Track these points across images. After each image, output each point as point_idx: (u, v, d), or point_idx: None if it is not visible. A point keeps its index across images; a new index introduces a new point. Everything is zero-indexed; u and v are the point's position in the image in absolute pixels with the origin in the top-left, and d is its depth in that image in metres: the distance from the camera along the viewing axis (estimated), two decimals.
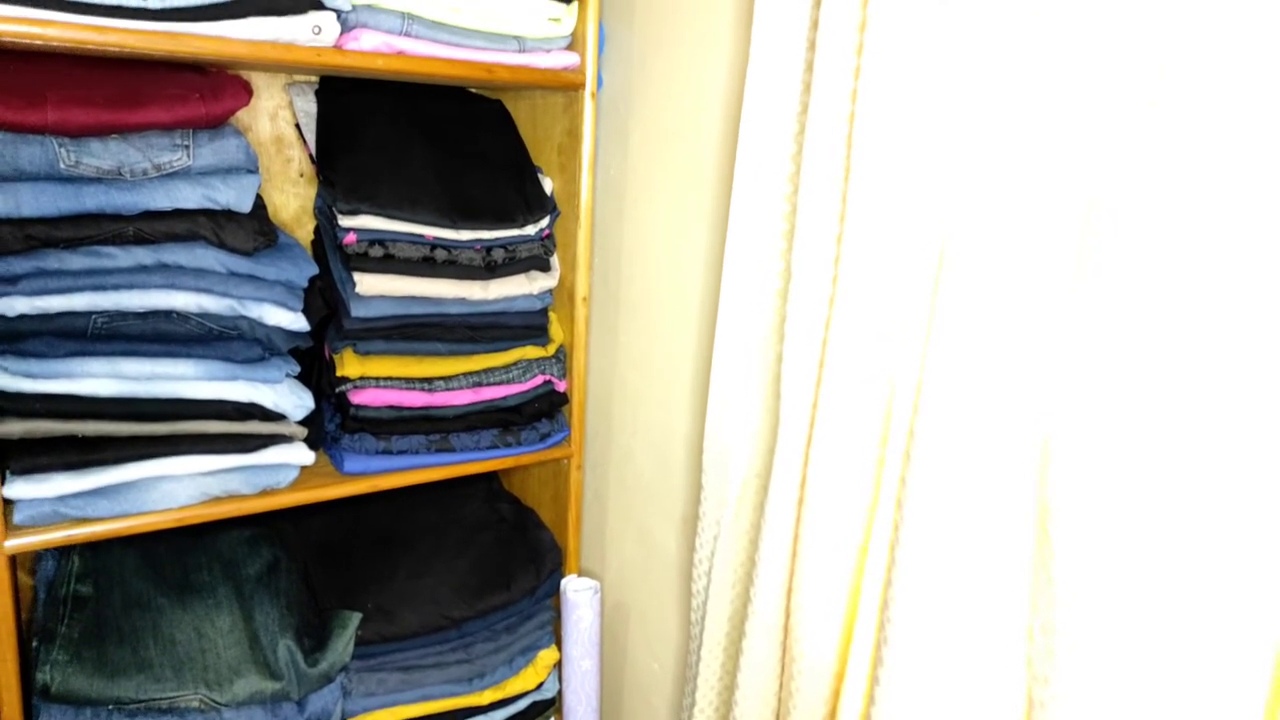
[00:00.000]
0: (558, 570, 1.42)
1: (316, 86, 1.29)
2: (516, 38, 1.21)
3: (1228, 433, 0.68)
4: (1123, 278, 0.72)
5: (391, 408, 1.23)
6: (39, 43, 0.90)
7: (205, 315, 1.06)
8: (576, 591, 1.39)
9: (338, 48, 1.07)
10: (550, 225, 1.34)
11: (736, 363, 1.12)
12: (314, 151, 1.25)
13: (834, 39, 0.92)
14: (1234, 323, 0.67)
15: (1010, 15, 0.77)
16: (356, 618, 1.22)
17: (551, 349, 1.36)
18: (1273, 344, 0.65)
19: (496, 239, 1.28)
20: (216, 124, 1.07)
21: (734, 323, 1.11)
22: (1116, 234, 0.72)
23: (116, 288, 1.01)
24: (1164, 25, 0.67)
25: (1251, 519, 0.67)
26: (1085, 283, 0.75)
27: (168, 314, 1.04)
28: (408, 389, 1.23)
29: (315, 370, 1.27)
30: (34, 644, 1.07)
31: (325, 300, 1.24)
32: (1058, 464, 0.78)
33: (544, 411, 1.36)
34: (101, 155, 0.98)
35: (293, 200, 1.38)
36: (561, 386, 1.38)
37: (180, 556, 1.22)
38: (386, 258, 1.20)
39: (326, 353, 1.25)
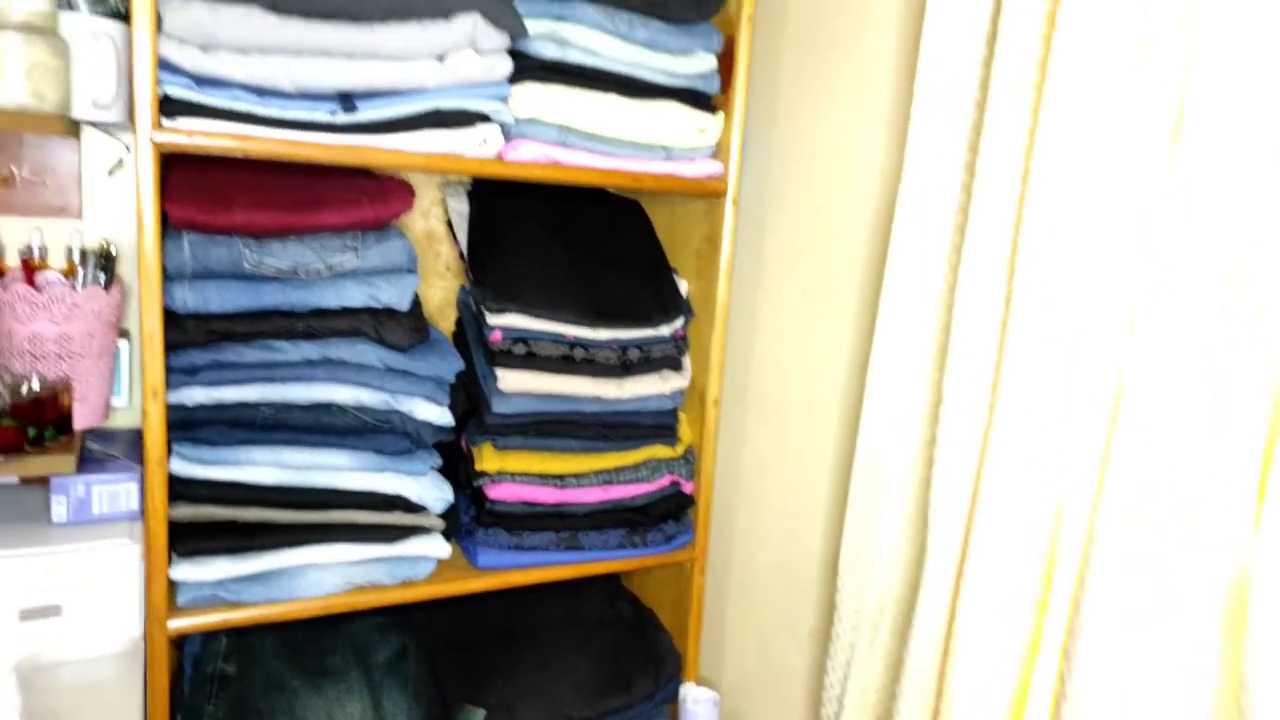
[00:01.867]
0: (676, 676, 1.39)
1: (469, 187, 1.35)
2: (664, 147, 1.24)
3: None
4: None
5: (525, 503, 1.24)
6: (239, 154, 0.97)
7: (361, 408, 1.10)
8: (696, 702, 1.35)
9: (500, 158, 1.12)
10: (684, 327, 1.35)
11: (878, 485, 1.09)
12: (464, 249, 1.30)
13: (1000, 144, 0.90)
14: None
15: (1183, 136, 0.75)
16: (480, 714, 1.21)
17: (680, 449, 1.36)
18: None
19: (632, 339, 1.29)
20: (383, 225, 1.13)
21: (875, 444, 1.09)
22: None
23: (285, 380, 1.06)
24: None
25: None
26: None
27: (328, 406, 1.08)
28: (541, 485, 1.24)
29: (452, 463, 1.29)
30: (179, 719, 1.09)
31: (467, 394, 1.27)
32: (1256, 608, 0.72)
33: (670, 513, 1.35)
34: (280, 256, 1.04)
35: (438, 292, 1.43)
36: (689, 488, 1.37)
37: (316, 639, 1.24)
38: (528, 355, 1.23)
39: (465, 445, 1.27)
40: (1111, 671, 0.81)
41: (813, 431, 1.26)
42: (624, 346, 1.30)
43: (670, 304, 1.33)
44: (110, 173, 1.18)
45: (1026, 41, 0.88)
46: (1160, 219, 0.79)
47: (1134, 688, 0.81)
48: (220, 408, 1.03)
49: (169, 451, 1.00)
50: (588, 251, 1.34)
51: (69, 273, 1.10)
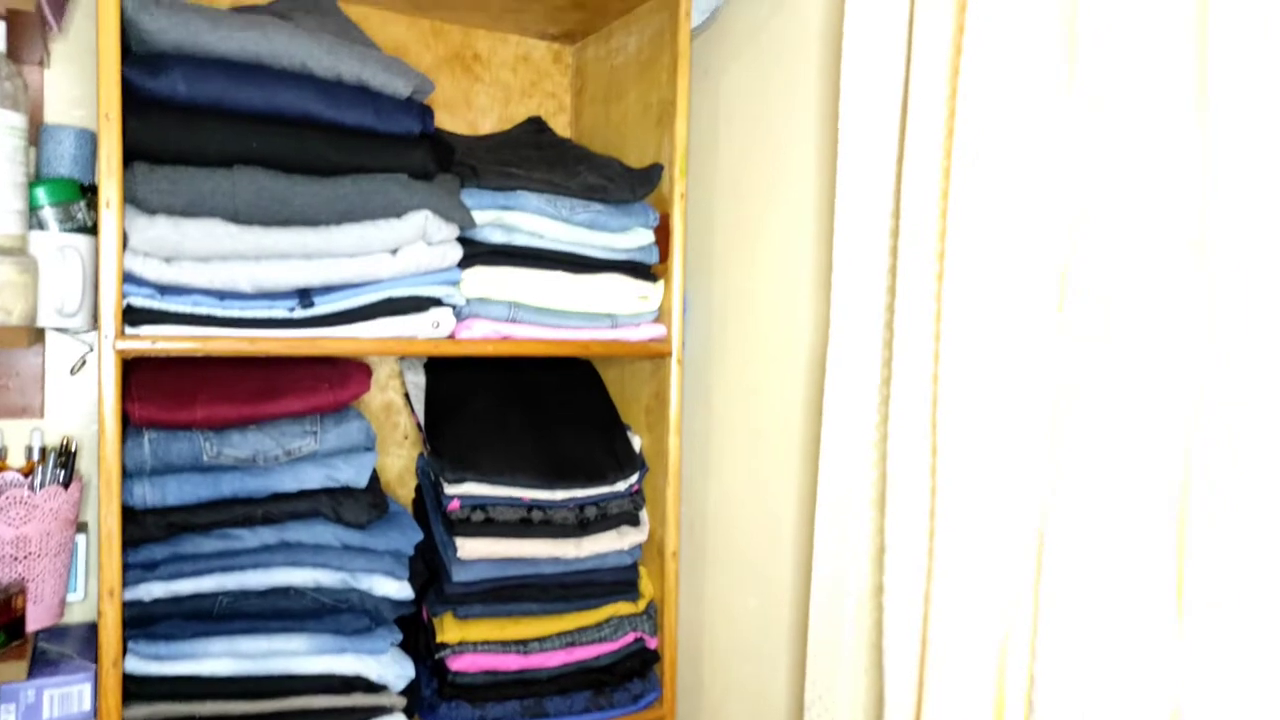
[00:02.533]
0: None
1: (425, 361, 1.40)
2: (609, 315, 1.31)
3: None
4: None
5: (487, 673, 1.24)
6: (200, 354, 1.02)
7: (319, 590, 1.11)
8: None
9: (452, 337, 1.18)
10: (639, 481, 1.39)
11: (834, 625, 1.11)
12: (421, 420, 1.34)
13: (914, 290, 0.98)
14: None
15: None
16: None
17: (642, 605, 1.37)
18: None
19: (589, 496, 1.33)
20: (341, 408, 1.17)
21: (829, 585, 1.12)
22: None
23: (242, 568, 1.07)
24: None
25: None
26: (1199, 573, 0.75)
27: (285, 590, 1.09)
28: (504, 652, 1.24)
29: (412, 635, 1.29)
30: None
31: (426, 563, 1.28)
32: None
33: (636, 670, 1.35)
34: (240, 445, 1.08)
35: (397, 461, 1.46)
36: (653, 643, 1.37)
37: None
38: (487, 521, 1.25)
39: (426, 616, 1.28)
40: None
41: (770, 577, 1.29)
42: (581, 505, 1.33)
43: (625, 460, 1.38)
44: (73, 371, 1.22)
45: (928, 204, 0.97)
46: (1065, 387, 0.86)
47: None
48: (177, 600, 1.04)
49: (124, 650, 1.00)
50: (543, 413, 1.39)
51: (28, 470, 1.12)
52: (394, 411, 1.46)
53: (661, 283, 1.35)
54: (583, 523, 1.32)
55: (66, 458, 1.12)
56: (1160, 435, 0.78)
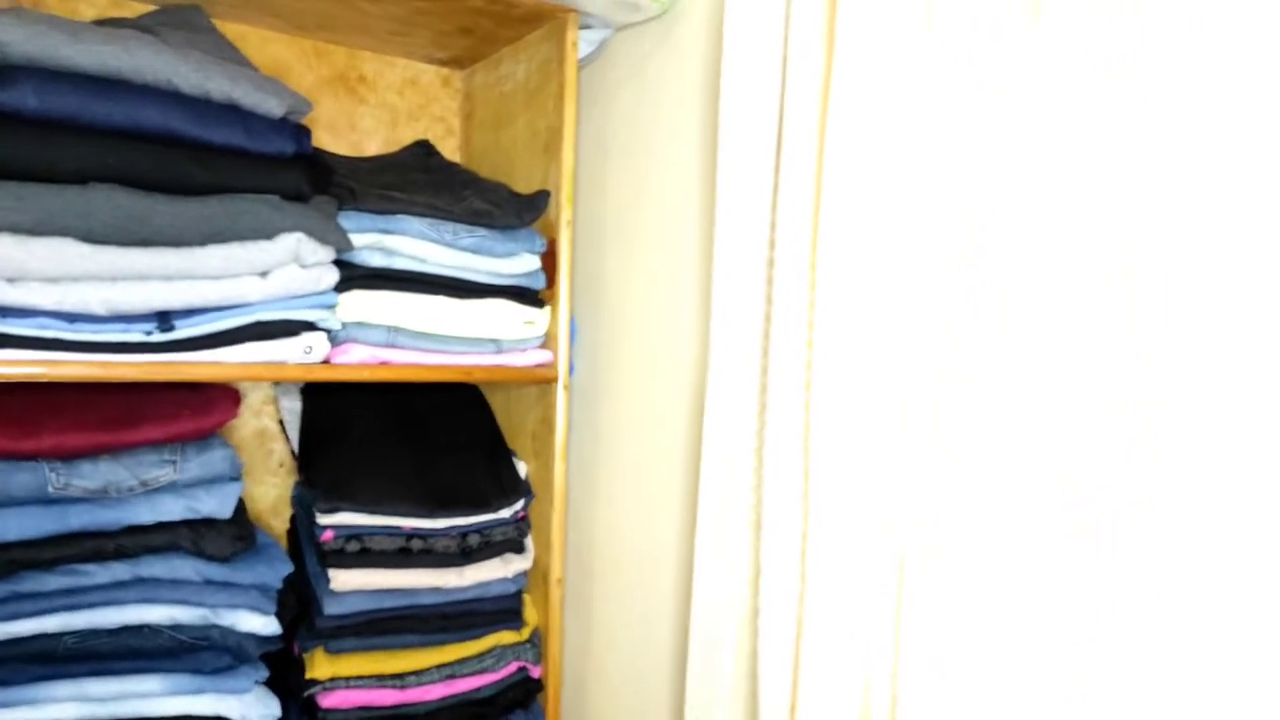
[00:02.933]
0: None
1: (302, 386, 1.36)
2: (494, 340, 1.30)
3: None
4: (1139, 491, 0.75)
5: (361, 709, 1.20)
6: (48, 380, 0.96)
7: (177, 627, 1.06)
8: None
9: (327, 362, 1.15)
10: (525, 508, 1.37)
11: (711, 656, 1.12)
12: (296, 448, 1.30)
13: (786, 324, 1.00)
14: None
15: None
16: None
17: (526, 633, 1.35)
18: None
19: (472, 524, 1.30)
20: (205, 436, 1.12)
21: (706, 617, 1.13)
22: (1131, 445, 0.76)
23: (91, 606, 1.01)
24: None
25: None
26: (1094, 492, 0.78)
27: (140, 629, 1.04)
28: (379, 687, 1.21)
29: (282, 669, 1.24)
30: None
31: (297, 595, 1.24)
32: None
33: (519, 701, 1.33)
34: (91, 476, 1.02)
35: (271, 490, 1.41)
36: (536, 673, 1.35)
37: None
38: (362, 551, 1.22)
39: (296, 650, 1.23)
40: None
41: (655, 603, 1.29)
42: (464, 533, 1.30)
43: (510, 486, 1.36)
44: None
45: (800, 228, 0.99)
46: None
47: None
48: (17, 642, 0.97)
49: None
50: (425, 440, 1.36)
51: None
52: (268, 438, 1.41)
53: (548, 308, 1.35)
54: (465, 551, 1.30)
55: None
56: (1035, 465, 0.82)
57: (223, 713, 1.07)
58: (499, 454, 1.40)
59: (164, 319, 1.02)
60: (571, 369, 1.44)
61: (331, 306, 1.15)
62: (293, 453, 1.34)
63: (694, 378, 1.24)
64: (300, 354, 1.12)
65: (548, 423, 1.37)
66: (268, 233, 1.06)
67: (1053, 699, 0.80)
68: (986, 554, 0.85)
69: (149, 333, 1.01)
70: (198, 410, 1.10)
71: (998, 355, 0.84)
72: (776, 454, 1.02)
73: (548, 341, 1.36)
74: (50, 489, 0.99)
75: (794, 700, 1.01)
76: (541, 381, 1.35)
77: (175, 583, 1.06)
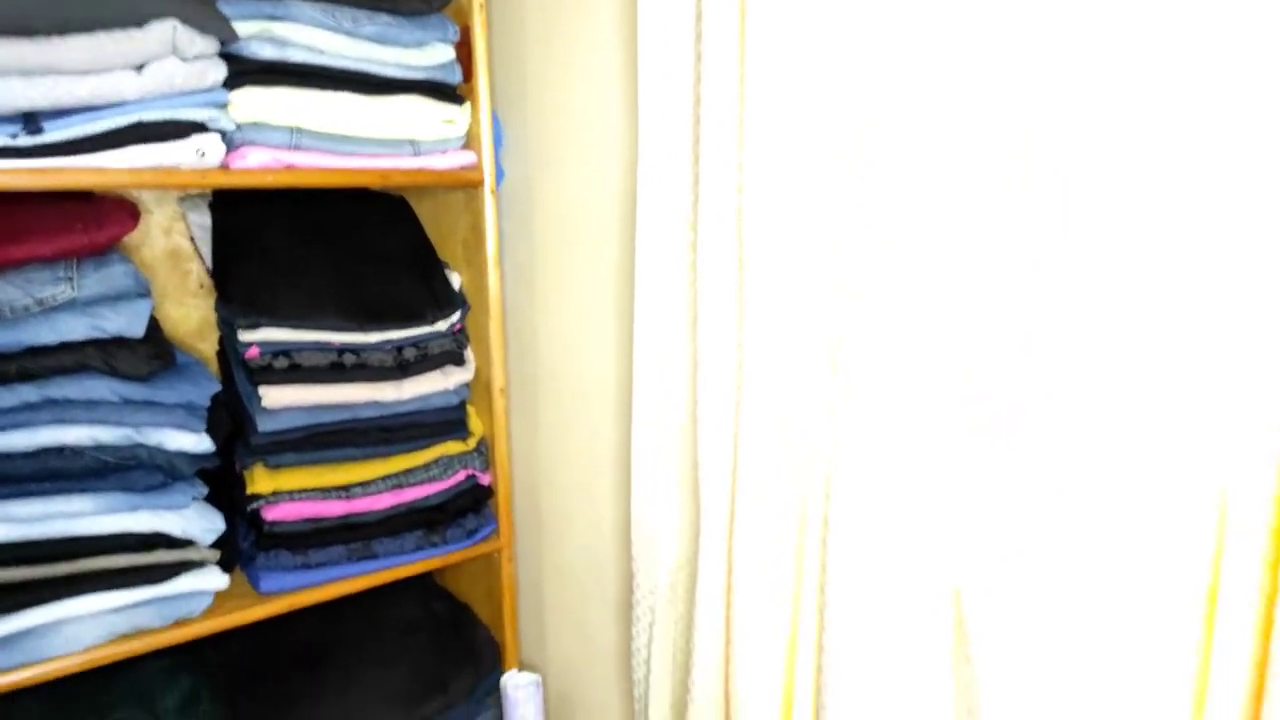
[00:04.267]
0: (496, 667, 1.39)
1: (210, 199, 1.28)
2: (411, 141, 1.21)
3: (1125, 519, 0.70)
4: (1031, 385, 0.74)
5: (308, 520, 1.20)
6: None
7: (100, 447, 1.03)
8: (517, 688, 1.35)
9: (224, 168, 1.07)
10: (462, 319, 1.33)
11: (655, 453, 1.12)
12: (210, 265, 1.23)
13: (718, 126, 0.94)
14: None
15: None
16: None
17: (472, 443, 1.35)
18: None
19: (407, 338, 1.27)
20: (101, 251, 1.05)
21: (649, 412, 1.12)
22: (1025, 339, 0.74)
23: (1, 428, 0.97)
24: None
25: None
26: (990, 387, 0.77)
27: (59, 450, 1.01)
28: (324, 499, 1.21)
29: (226, 488, 1.23)
30: None
31: (232, 416, 1.21)
32: (967, 552, 0.79)
33: (469, 507, 1.34)
34: None
35: (194, 313, 1.35)
36: (485, 480, 1.36)
37: (94, 696, 1.16)
38: (292, 368, 1.18)
39: (236, 469, 1.22)
40: (859, 606, 0.88)
41: (601, 408, 1.28)
42: (399, 346, 1.27)
43: (444, 298, 1.32)
44: None
45: (728, 26, 0.91)
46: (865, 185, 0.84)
47: (880, 620, 0.87)
48: None
49: None
50: (350, 252, 1.30)
51: None
52: (182, 258, 1.34)
53: (468, 105, 1.26)
54: (402, 365, 1.27)
55: None
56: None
57: (161, 529, 1.06)
58: (430, 265, 1.35)
59: (30, 120, 0.93)
60: (500, 174, 1.36)
61: (222, 105, 1.05)
62: (208, 270, 1.27)
63: (627, 178, 1.17)
64: (193, 158, 1.03)
65: (478, 230, 1.31)
66: (136, 19, 0.95)
67: (948, 582, 0.81)
68: (892, 435, 0.83)
69: (14, 135, 0.92)
70: (90, 223, 1.03)
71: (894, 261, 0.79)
72: (710, 254, 0.98)
73: (470, 142, 1.28)
74: None
75: (733, 489, 1.01)
76: (467, 185, 1.28)
77: (91, 403, 1.02)
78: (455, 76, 1.24)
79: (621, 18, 1.13)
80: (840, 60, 0.83)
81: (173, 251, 1.33)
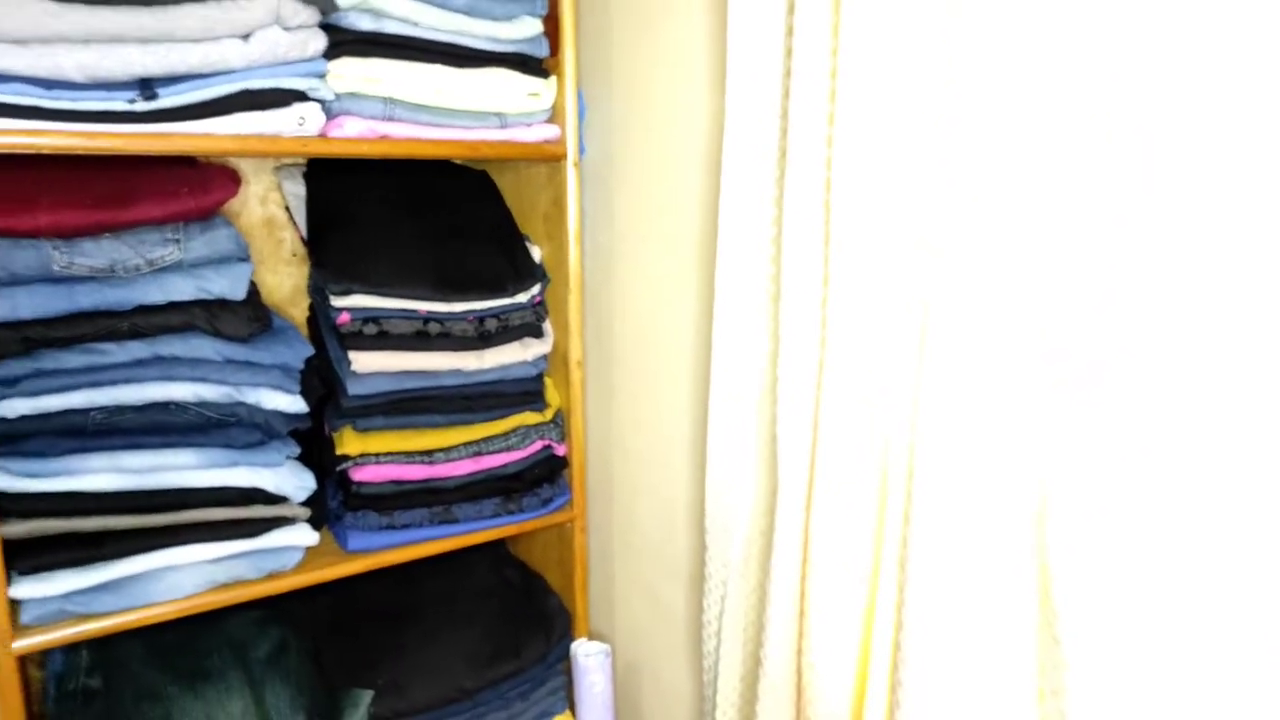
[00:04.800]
0: (567, 635, 1.41)
1: (305, 169, 1.32)
2: (498, 114, 1.23)
3: (1225, 489, 0.68)
4: (1115, 341, 0.72)
5: (393, 482, 1.24)
6: (31, 151, 0.93)
7: (203, 404, 1.08)
8: (587, 656, 1.38)
9: (323, 136, 1.10)
10: (541, 292, 1.35)
11: (732, 424, 1.12)
12: (304, 233, 1.27)
13: (807, 94, 0.94)
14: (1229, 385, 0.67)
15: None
16: (368, 695, 1.21)
17: (549, 414, 1.37)
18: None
19: (489, 309, 1.29)
20: (206, 215, 1.09)
21: (727, 384, 1.12)
22: (1104, 295, 0.73)
23: (113, 383, 1.02)
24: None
25: (1255, 583, 0.67)
26: (1072, 343, 0.75)
27: (165, 405, 1.05)
28: (408, 463, 1.24)
29: (316, 449, 1.27)
30: None
31: (322, 380, 1.25)
32: (1055, 524, 0.78)
33: (545, 477, 1.37)
34: (94, 254, 1.01)
35: (286, 281, 1.40)
36: (561, 450, 1.38)
37: (189, 643, 1.22)
38: (380, 334, 1.21)
39: (326, 431, 1.26)
40: (942, 577, 0.87)
41: (675, 383, 1.29)
42: (481, 317, 1.29)
43: (524, 271, 1.34)
44: None
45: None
46: (953, 154, 0.83)
47: (962, 592, 0.86)
48: (46, 417, 0.99)
49: None
50: (435, 224, 1.33)
51: None
52: (277, 227, 1.38)
53: (553, 79, 1.27)
54: (483, 335, 1.29)
55: None
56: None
57: (258, 484, 1.10)
58: (511, 238, 1.37)
59: (146, 86, 0.97)
60: (582, 149, 1.37)
61: (322, 75, 1.08)
62: (302, 238, 1.31)
63: (709, 155, 1.17)
64: (294, 125, 1.06)
65: (559, 204, 1.33)
66: None
67: (1035, 557, 0.80)
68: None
69: (131, 100, 0.96)
70: (196, 188, 1.07)
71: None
72: (796, 226, 0.97)
73: (554, 116, 1.29)
74: (55, 267, 0.98)
75: (812, 462, 1.01)
76: (550, 159, 1.29)
77: (195, 361, 1.07)
78: (542, 50, 1.25)
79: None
80: (928, 23, 0.82)
81: (268, 220, 1.37)
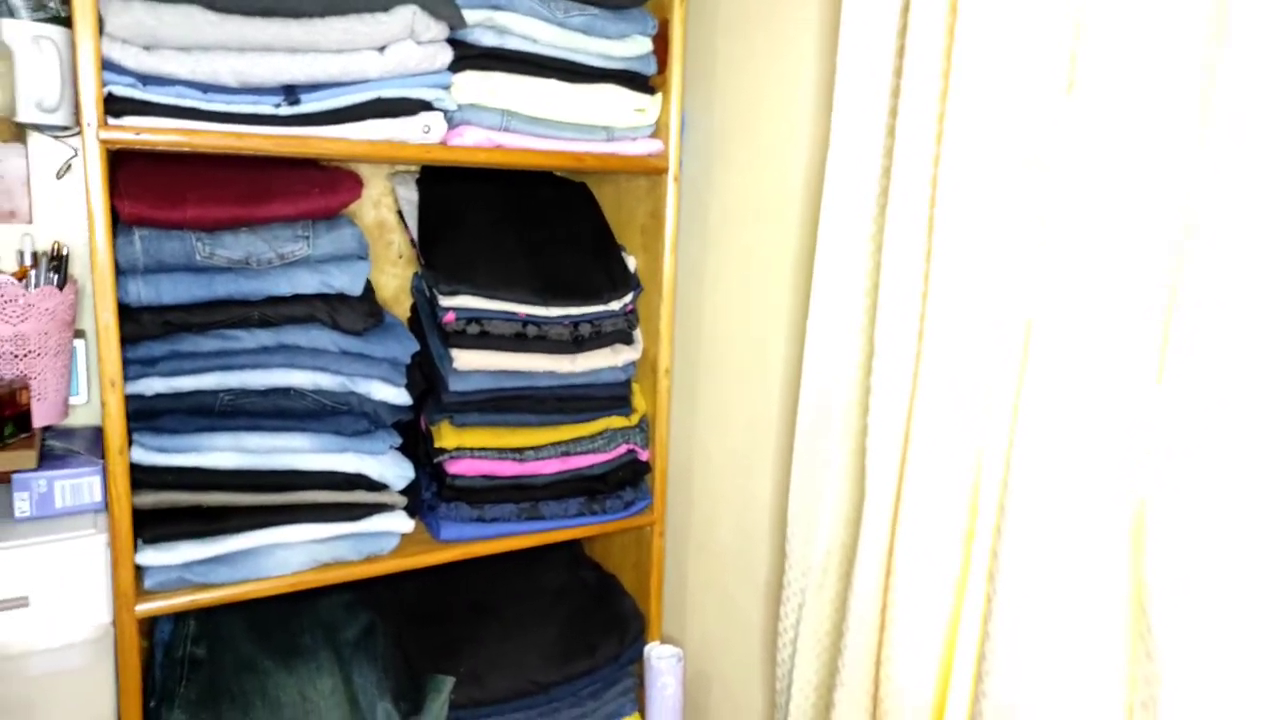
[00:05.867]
0: (640, 637, 1.44)
1: (418, 176, 1.38)
2: (605, 128, 1.28)
3: None
4: (1210, 353, 0.73)
5: (485, 477, 1.29)
6: (189, 149, 1.00)
7: (319, 391, 1.14)
8: (660, 659, 1.40)
9: (444, 144, 1.16)
10: (634, 301, 1.40)
11: (819, 439, 1.15)
12: (415, 236, 1.33)
13: (914, 121, 0.96)
14: None
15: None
16: (450, 682, 1.26)
17: (635, 419, 1.41)
18: None
19: (583, 314, 1.34)
20: (332, 215, 1.16)
21: (816, 395, 1.15)
22: (1203, 306, 0.74)
23: (242, 367, 1.09)
24: None
25: None
26: (1175, 356, 0.77)
27: (286, 391, 1.12)
28: (500, 459, 1.29)
29: (413, 441, 1.33)
30: (152, 703, 1.13)
31: (424, 375, 1.31)
32: (1152, 537, 0.78)
33: (628, 480, 1.40)
34: (233, 247, 1.07)
35: (392, 280, 1.46)
36: (645, 455, 1.42)
37: (285, 620, 1.28)
38: (482, 334, 1.27)
39: (424, 424, 1.31)
40: (1031, 592, 0.88)
41: (761, 394, 1.32)
42: (575, 322, 1.34)
43: (619, 279, 1.38)
44: (59, 175, 1.20)
45: (935, 22, 0.93)
46: (1060, 180, 0.85)
47: (1052, 607, 0.87)
48: (179, 396, 1.06)
49: (129, 441, 1.03)
50: (537, 232, 1.38)
51: (21, 275, 1.12)
52: (387, 229, 1.45)
53: (659, 95, 1.32)
54: (577, 339, 1.34)
55: (58, 261, 1.12)
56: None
57: (363, 471, 1.16)
58: (608, 248, 1.42)
59: (290, 92, 1.03)
60: (682, 165, 1.41)
61: (447, 86, 1.14)
62: (412, 241, 1.37)
63: (808, 173, 1.20)
64: (419, 133, 1.12)
65: (657, 216, 1.37)
66: (382, 4, 1.05)
67: (1128, 573, 0.80)
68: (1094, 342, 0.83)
69: (277, 105, 1.02)
70: (325, 188, 1.13)
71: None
72: (896, 246, 1.00)
73: (658, 131, 1.34)
74: (198, 257, 1.05)
75: (901, 474, 1.03)
76: (652, 172, 1.34)
77: (315, 351, 1.13)
78: (650, 67, 1.30)
79: (819, 13, 1.17)
80: (1044, 39, 0.84)
81: (380, 223, 1.44)
